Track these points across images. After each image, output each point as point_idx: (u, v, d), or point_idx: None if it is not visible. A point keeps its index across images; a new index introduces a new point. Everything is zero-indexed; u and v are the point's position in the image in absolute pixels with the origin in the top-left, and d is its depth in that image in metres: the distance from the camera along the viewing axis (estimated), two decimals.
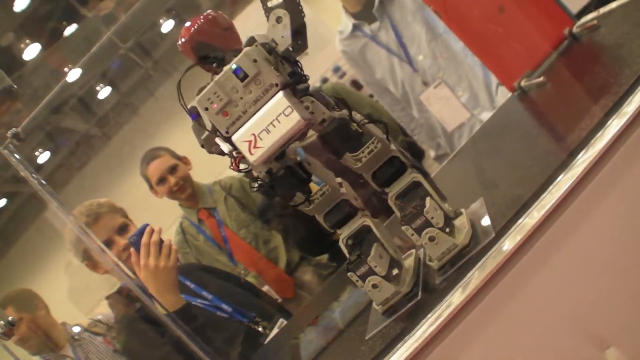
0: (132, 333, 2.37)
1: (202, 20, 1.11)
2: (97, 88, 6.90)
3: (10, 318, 1.61)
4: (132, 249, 2.05)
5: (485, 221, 1.11)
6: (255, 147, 1.02)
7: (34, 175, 1.72)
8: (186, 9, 6.88)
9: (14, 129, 1.81)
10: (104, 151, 5.68)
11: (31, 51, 5.96)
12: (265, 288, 2.88)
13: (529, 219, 1.01)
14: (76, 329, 2.81)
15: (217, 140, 1.08)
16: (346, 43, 2.80)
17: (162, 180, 2.92)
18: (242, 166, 1.11)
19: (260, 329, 2.33)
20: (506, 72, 1.75)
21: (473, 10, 1.70)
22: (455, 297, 0.99)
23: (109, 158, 5.36)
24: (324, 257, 3.03)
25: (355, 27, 2.73)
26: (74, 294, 3.62)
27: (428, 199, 1.08)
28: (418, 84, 2.69)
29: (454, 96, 2.63)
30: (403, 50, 2.67)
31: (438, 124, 2.73)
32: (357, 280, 1.09)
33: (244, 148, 1.03)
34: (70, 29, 6.62)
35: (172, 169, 2.94)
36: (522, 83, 1.70)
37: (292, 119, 1.01)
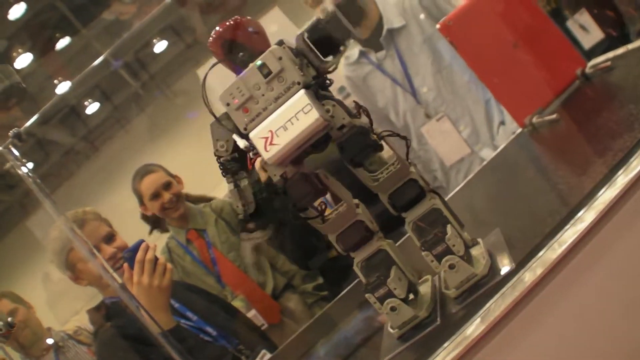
0: (106, 349, 2.30)
1: (234, 21, 1.10)
2: (86, 103, 6.88)
3: (9, 319, 1.55)
4: (125, 265, 1.99)
5: (504, 252, 1.08)
6: (271, 144, 1.00)
7: (30, 174, 1.68)
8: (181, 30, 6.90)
9: (15, 128, 1.78)
10: (91, 165, 5.62)
11: (23, 60, 5.93)
12: (252, 313, 2.82)
13: (550, 252, 0.99)
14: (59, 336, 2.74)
15: (235, 137, 1.05)
16: (351, 69, 2.79)
17: (155, 195, 2.87)
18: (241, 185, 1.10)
19: (243, 358, 2.28)
20: (518, 108, 1.74)
21: (488, 44, 1.70)
22: (474, 327, 0.96)
23: (96, 172, 5.29)
24: (309, 286, 2.99)
25: (362, 54, 2.73)
26: (50, 305, 3.53)
27: (449, 227, 1.05)
28: (420, 115, 2.68)
29: (456, 131, 2.62)
30: (408, 80, 2.66)
31: (436, 158, 2.72)
32: (375, 302, 1.05)
33: (260, 145, 1.01)
34: (63, 42, 6.61)
35: (167, 186, 2.89)
36: (534, 120, 1.69)
37: (311, 117, 0.99)
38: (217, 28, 1.10)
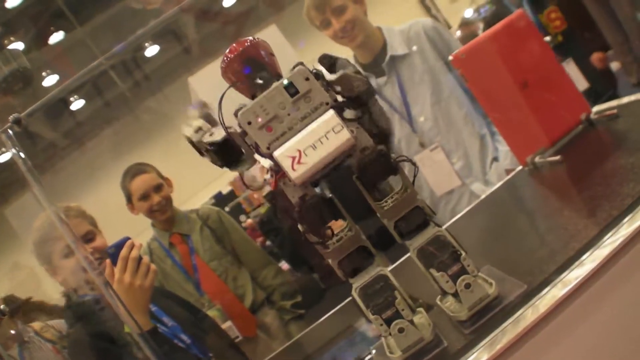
0: (77, 350, 2.26)
1: (253, 41, 1.11)
2: (72, 99, 6.84)
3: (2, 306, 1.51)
4: (107, 261, 1.95)
5: (507, 279, 1.11)
6: (299, 163, 1.00)
7: (24, 162, 1.66)
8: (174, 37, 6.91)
9: (16, 114, 1.77)
10: (76, 160, 5.56)
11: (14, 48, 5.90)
12: (228, 324, 2.80)
13: (561, 283, 1.01)
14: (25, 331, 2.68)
15: (256, 156, 1.05)
16: None
17: (145, 197, 2.85)
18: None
19: None
20: (520, 145, 1.77)
21: (498, 80, 1.72)
22: (485, 351, 0.97)
23: (80, 167, 5.23)
24: (288, 303, 2.99)
25: None
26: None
27: (460, 249, 1.07)
28: (415, 144, 2.69)
29: (449, 162, 2.64)
30: (406, 108, 2.67)
31: (426, 187, 2.72)
32: (382, 324, 1.05)
33: (286, 163, 1.00)
34: (57, 36, 6.58)
35: (157, 188, 2.88)
36: (536, 159, 1.71)
37: (342, 137, 1.00)
38: (235, 46, 1.10)
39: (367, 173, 1.07)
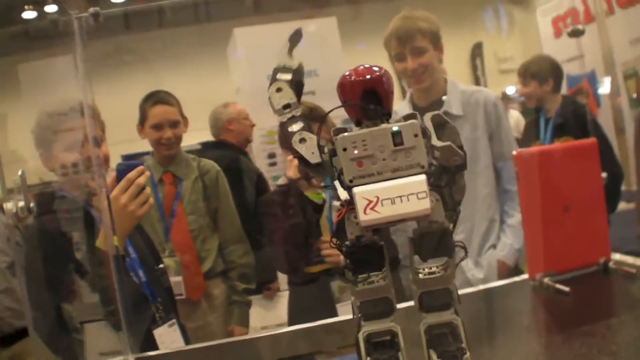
0: (36, 238, 2.23)
1: (381, 73, 1.10)
2: None
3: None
4: (113, 174, 1.94)
5: None
6: (372, 209, 1.00)
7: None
8: None
9: (97, 8, 1.76)
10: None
11: None
12: (178, 279, 2.79)
13: None
14: None
15: (336, 183, 1.05)
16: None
17: (158, 127, 2.83)
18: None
19: (157, 315, 2.25)
20: (537, 258, 1.79)
21: (547, 192, 1.75)
22: None
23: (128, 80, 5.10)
24: (241, 286, 2.99)
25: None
26: None
27: (465, 346, 1.07)
28: None
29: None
30: None
31: None
32: None
33: (361, 204, 1.00)
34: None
35: (174, 124, 2.87)
36: (545, 280, 1.74)
37: (422, 205, 1.00)
38: (363, 70, 1.10)
39: (423, 244, 1.08)
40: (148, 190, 1.94)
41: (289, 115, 1.11)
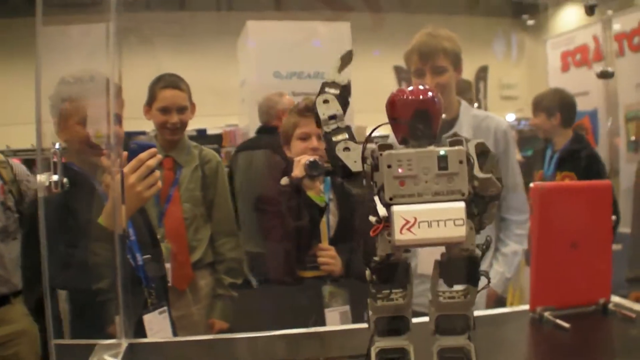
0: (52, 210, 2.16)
1: (434, 96, 1.10)
2: None
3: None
4: (125, 153, 1.91)
5: None
6: (408, 229, 1.00)
7: None
8: None
9: None
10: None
11: None
12: (166, 266, 2.76)
13: None
14: None
15: (376, 198, 1.04)
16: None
17: (166, 110, 2.80)
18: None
19: (149, 300, 2.22)
20: (540, 291, 1.80)
21: (558, 227, 1.75)
22: None
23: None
24: (228, 280, 2.96)
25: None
26: None
27: None
28: None
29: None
30: None
31: (414, 260, 2.74)
32: None
33: (398, 223, 1.00)
34: None
35: (181, 109, 2.84)
36: (546, 314, 1.75)
37: (458, 232, 1.01)
38: (417, 90, 1.09)
39: (450, 269, 1.08)
40: (157, 173, 1.92)
41: (334, 127, 1.12)
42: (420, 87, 1.10)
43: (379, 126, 1.11)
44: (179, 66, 3.19)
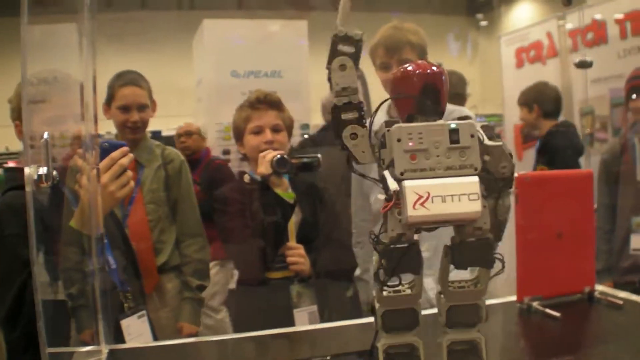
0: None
1: (442, 70, 1.06)
2: None
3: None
4: (95, 152, 1.81)
5: None
6: (422, 205, 0.95)
7: None
8: None
9: None
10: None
11: None
12: None
13: None
14: None
15: (386, 173, 0.98)
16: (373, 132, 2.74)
17: (125, 109, 2.68)
18: None
19: (125, 305, 2.11)
20: (526, 281, 1.77)
21: (543, 217, 1.74)
22: None
23: None
24: (195, 282, 2.85)
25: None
26: None
27: None
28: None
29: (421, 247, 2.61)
30: None
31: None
32: None
33: (410, 199, 0.95)
34: None
35: (142, 107, 2.73)
36: (534, 304, 1.72)
37: (473, 207, 0.96)
38: (424, 64, 1.05)
39: (462, 251, 1.03)
40: (130, 172, 1.83)
41: (346, 100, 1.04)
42: (423, 62, 1.06)
43: (385, 101, 1.06)
44: (135, 66, 3.08)
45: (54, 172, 1.26)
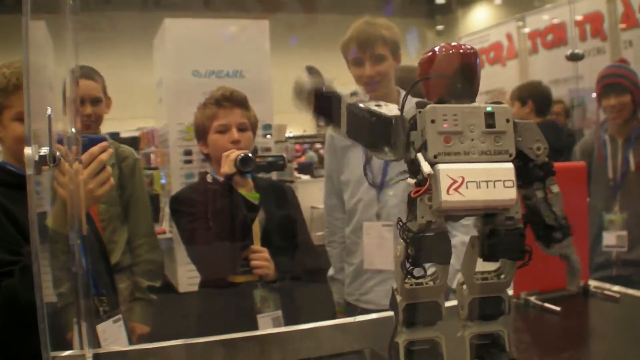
0: None
1: (476, 53, 0.99)
2: None
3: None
4: (73, 148, 1.69)
5: None
6: (456, 190, 0.89)
7: None
8: None
9: None
10: None
11: None
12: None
13: None
14: None
15: (419, 156, 0.91)
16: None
17: (80, 102, 2.55)
18: None
19: (100, 309, 1.98)
20: (523, 277, 1.72)
21: None
22: None
23: None
24: (146, 283, 2.73)
25: None
26: None
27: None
28: (371, 212, 2.57)
29: (394, 245, 2.56)
30: (382, 174, 2.56)
31: (359, 255, 2.62)
32: None
33: (444, 183, 0.88)
34: None
35: (95, 101, 2.62)
36: (532, 298, 1.69)
37: (508, 194, 0.91)
38: (458, 45, 0.98)
39: (492, 242, 0.96)
40: (109, 169, 1.71)
41: (356, 99, 1.04)
42: (457, 44, 1.00)
43: (417, 82, 0.99)
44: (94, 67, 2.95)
45: (57, 153, 1.15)
